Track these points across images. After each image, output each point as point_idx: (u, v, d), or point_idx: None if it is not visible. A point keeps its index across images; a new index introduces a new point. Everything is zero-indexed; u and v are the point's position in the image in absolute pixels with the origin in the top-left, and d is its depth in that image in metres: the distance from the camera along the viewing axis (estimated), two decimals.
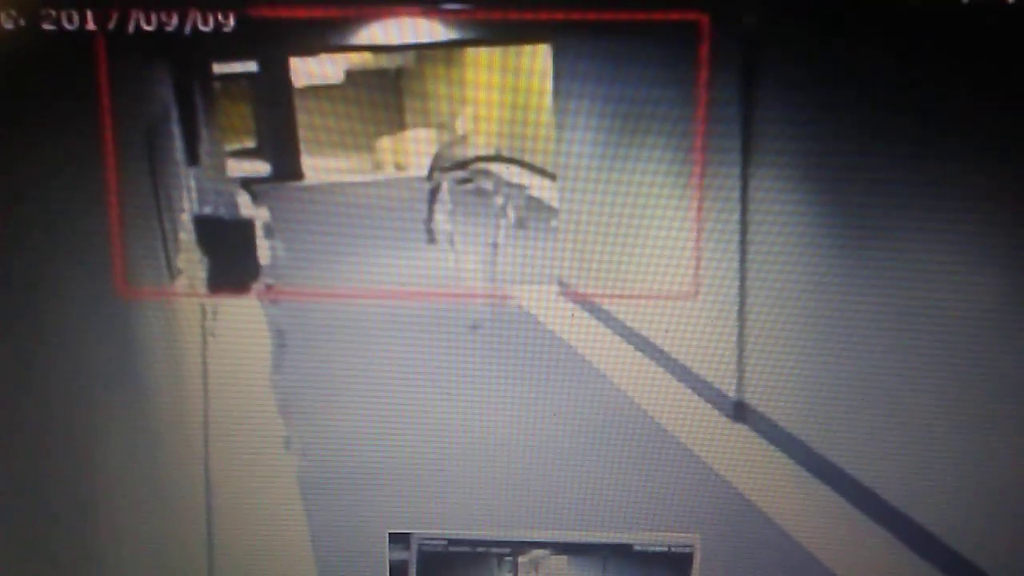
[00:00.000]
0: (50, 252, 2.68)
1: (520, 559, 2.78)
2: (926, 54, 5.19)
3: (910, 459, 5.67)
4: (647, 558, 2.78)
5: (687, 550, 2.78)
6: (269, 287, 6.65)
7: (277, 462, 6.82)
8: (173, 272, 6.10)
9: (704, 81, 7.47)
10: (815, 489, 6.38)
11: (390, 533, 2.76)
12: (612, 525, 5.83)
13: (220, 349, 6.45)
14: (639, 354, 8.83)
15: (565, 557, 2.79)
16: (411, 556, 2.77)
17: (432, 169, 10.61)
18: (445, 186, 10.42)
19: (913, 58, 5.30)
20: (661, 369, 8.43)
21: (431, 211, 10.57)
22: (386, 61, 24.71)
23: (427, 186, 10.70)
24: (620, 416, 7.71)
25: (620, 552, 2.80)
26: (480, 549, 2.79)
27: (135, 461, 3.57)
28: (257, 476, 6.46)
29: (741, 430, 7.27)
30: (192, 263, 6.28)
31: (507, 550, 2.79)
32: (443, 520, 5.41)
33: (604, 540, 2.77)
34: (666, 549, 2.79)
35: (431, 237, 10.64)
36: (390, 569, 2.76)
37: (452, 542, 2.78)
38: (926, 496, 5.60)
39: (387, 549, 2.76)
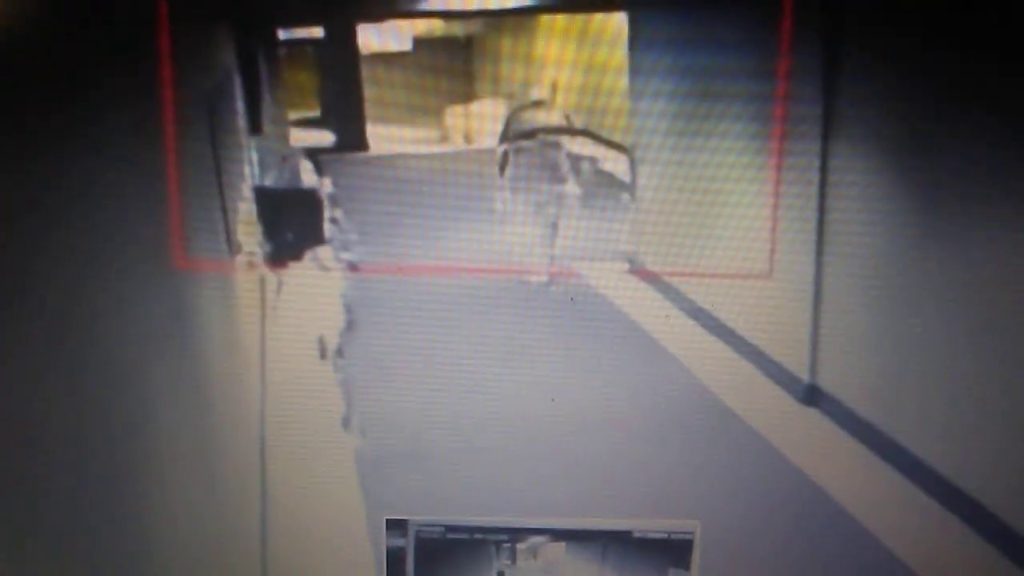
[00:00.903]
0: (109, 223, 2.66)
1: (519, 546, 2.72)
2: (1019, 34, 4.97)
3: (986, 447, 5.52)
4: (646, 544, 2.71)
5: (688, 536, 2.68)
6: (333, 261, 6.55)
7: (334, 440, 6.74)
8: (233, 244, 6.01)
9: (785, 54, 7.29)
10: (886, 475, 6.24)
11: (387, 519, 2.71)
12: (673, 510, 5.71)
13: (281, 324, 6.35)
14: (709, 335, 8.66)
15: (564, 543, 2.72)
16: (408, 542, 2.71)
17: (501, 139, 10.47)
18: (514, 157, 10.27)
19: (1004, 38, 5.08)
20: (731, 350, 8.26)
21: (499, 184, 10.44)
22: (455, 29, 24.61)
23: (496, 158, 10.56)
24: (688, 397, 7.58)
25: (619, 538, 2.79)
26: (478, 535, 2.72)
27: (190, 435, 3.53)
28: (312, 454, 6.40)
29: (812, 414, 7.09)
30: (252, 235, 6.18)
31: (505, 536, 2.72)
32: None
33: (603, 527, 2.71)
34: (666, 535, 2.71)
35: (498, 210, 10.51)
36: (387, 555, 2.71)
37: (449, 528, 2.72)
38: (1003, 487, 5.43)
39: (384, 535, 2.71)
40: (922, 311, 5.99)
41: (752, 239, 7.84)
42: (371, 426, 6.94)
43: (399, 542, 2.77)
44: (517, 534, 2.77)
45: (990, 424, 5.47)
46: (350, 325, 7.90)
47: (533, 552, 2.76)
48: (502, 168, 10.41)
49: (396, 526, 2.77)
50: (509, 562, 2.77)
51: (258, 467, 5.98)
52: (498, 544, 2.77)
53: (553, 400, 7.13)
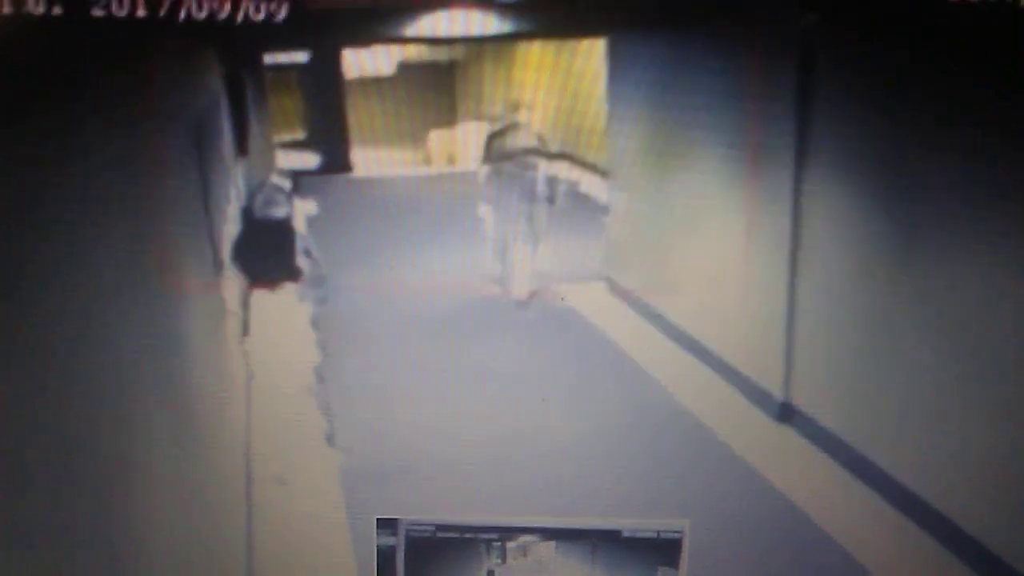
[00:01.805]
0: (97, 244, 2.67)
1: (509, 544, 2.77)
2: (990, 57, 5.10)
3: (960, 466, 5.58)
4: (635, 543, 2.76)
5: (676, 535, 2.74)
6: (308, 279, 6.62)
7: (319, 456, 6.82)
8: (219, 265, 6.11)
9: (759, 80, 7.42)
10: (858, 492, 6.30)
11: (378, 518, 2.75)
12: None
13: (260, 343, 6.44)
14: (685, 353, 8.77)
15: (554, 543, 2.77)
16: (399, 541, 2.76)
17: (483, 160, 10.58)
18: (494, 178, 10.39)
19: (975, 61, 5.20)
20: (706, 367, 8.37)
21: (480, 205, 10.55)
22: (439, 54, 24.74)
23: (478, 179, 10.66)
24: (664, 415, 7.66)
25: (608, 537, 2.79)
26: (468, 535, 2.77)
27: (177, 459, 3.56)
28: (297, 470, 6.48)
29: (786, 432, 7.19)
30: (238, 256, 6.27)
31: (495, 535, 2.77)
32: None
33: (593, 526, 2.76)
34: (655, 535, 2.76)
35: (479, 231, 10.61)
36: (378, 554, 2.74)
37: (440, 527, 2.77)
38: (975, 505, 5.50)
39: (375, 534, 2.75)
40: (895, 330, 6.05)
41: (727, 260, 7.97)
42: (355, 441, 7.01)
43: (390, 541, 2.78)
44: (507, 533, 2.78)
45: (963, 443, 5.50)
46: (327, 344, 7.97)
47: (523, 551, 2.76)
48: (482, 189, 10.52)
49: (387, 525, 2.78)
50: (499, 561, 2.76)
51: (244, 481, 6.05)
52: (488, 543, 2.75)
53: (544, 400, 7.23)
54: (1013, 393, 5.11)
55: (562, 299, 9.64)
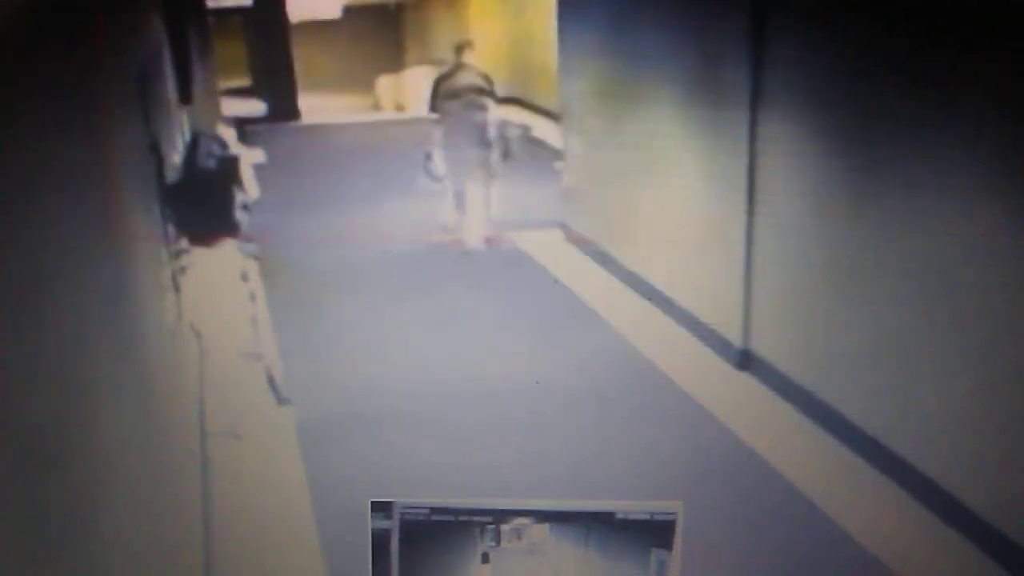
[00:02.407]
0: (46, 198, 2.59)
1: (503, 527, 2.77)
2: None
3: (919, 410, 5.59)
4: (629, 526, 2.77)
5: (670, 517, 2.76)
6: (256, 231, 6.44)
7: (273, 411, 6.72)
8: (165, 216, 5.95)
9: (712, 21, 7.34)
10: (820, 439, 6.30)
11: (372, 501, 2.75)
12: (601, 484, 5.77)
13: (195, 299, 6.27)
14: (643, 301, 8.73)
15: (547, 525, 2.80)
16: (393, 524, 2.75)
17: (430, 104, 10.46)
18: (444, 124, 10.28)
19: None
20: (666, 317, 8.33)
21: (430, 150, 10.44)
22: None
23: (428, 123, 10.55)
24: (622, 362, 7.63)
25: (602, 520, 2.80)
26: (463, 518, 2.77)
27: (129, 417, 3.49)
28: (252, 433, 6.38)
29: (746, 379, 7.17)
30: (174, 209, 6.08)
31: (489, 518, 2.77)
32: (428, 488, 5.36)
33: (587, 508, 2.77)
34: (648, 516, 2.77)
35: (430, 178, 10.50)
36: (372, 537, 2.74)
37: (435, 510, 2.76)
38: (935, 447, 5.51)
39: (369, 517, 2.74)
40: (855, 274, 6.02)
41: (684, 205, 7.91)
42: (307, 395, 6.92)
43: (384, 525, 2.79)
44: (502, 516, 2.80)
45: (927, 387, 5.50)
46: (276, 295, 7.81)
47: (517, 534, 2.80)
48: (432, 135, 10.42)
49: (381, 508, 2.79)
50: (494, 543, 2.80)
51: (199, 445, 5.96)
52: (482, 526, 2.79)
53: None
54: (976, 335, 5.10)
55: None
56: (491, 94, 10.37)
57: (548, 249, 10.36)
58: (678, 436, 6.47)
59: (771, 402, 6.81)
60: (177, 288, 6.00)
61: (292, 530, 5.35)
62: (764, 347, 7.09)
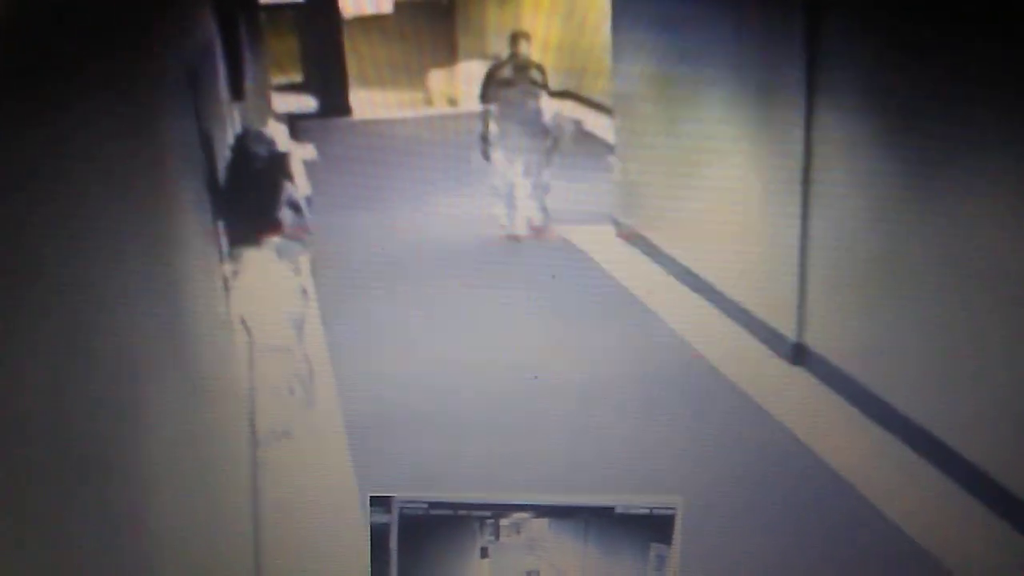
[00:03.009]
0: (98, 200, 2.61)
1: (501, 522, 2.77)
2: None
3: (975, 404, 5.52)
4: (629, 520, 2.78)
5: (670, 512, 2.77)
6: (305, 227, 6.40)
7: (322, 409, 6.72)
8: (216, 213, 5.97)
9: (768, 12, 7.26)
10: (874, 433, 6.25)
11: (371, 496, 2.75)
12: (652, 478, 5.74)
13: (246, 295, 6.26)
14: (694, 295, 8.67)
15: (546, 520, 2.80)
16: (392, 519, 2.75)
17: (482, 98, 10.45)
18: (496, 114, 10.26)
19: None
20: (718, 311, 8.27)
21: (483, 145, 10.42)
22: None
23: (479, 117, 10.53)
24: (674, 358, 7.57)
25: (602, 514, 2.81)
26: (462, 512, 2.77)
27: (180, 416, 3.50)
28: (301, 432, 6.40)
29: (799, 373, 7.10)
30: (230, 203, 6.08)
31: (488, 513, 2.77)
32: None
33: (586, 503, 2.77)
34: (648, 511, 2.77)
35: (484, 157, 10.49)
36: (371, 531, 2.75)
37: (433, 505, 2.76)
38: (991, 443, 5.45)
39: (368, 512, 2.75)
40: (909, 269, 5.98)
41: (737, 199, 7.84)
42: (356, 393, 6.91)
43: (383, 519, 2.79)
44: (500, 510, 2.80)
45: (979, 380, 5.46)
46: (322, 292, 7.78)
47: (516, 528, 2.80)
48: (484, 127, 10.40)
49: (380, 503, 2.79)
50: (492, 538, 2.80)
51: (249, 449, 5.97)
52: (481, 520, 2.79)
53: (536, 377, 7.11)
54: None
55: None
56: (544, 85, 10.36)
57: (599, 243, 10.31)
58: (729, 431, 6.42)
59: (825, 396, 6.74)
60: (228, 285, 6.02)
61: (341, 530, 5.35)
62: (818, 341, 7.02)
